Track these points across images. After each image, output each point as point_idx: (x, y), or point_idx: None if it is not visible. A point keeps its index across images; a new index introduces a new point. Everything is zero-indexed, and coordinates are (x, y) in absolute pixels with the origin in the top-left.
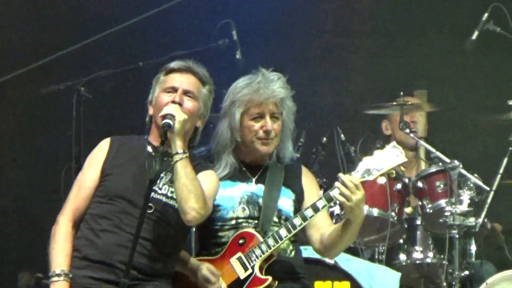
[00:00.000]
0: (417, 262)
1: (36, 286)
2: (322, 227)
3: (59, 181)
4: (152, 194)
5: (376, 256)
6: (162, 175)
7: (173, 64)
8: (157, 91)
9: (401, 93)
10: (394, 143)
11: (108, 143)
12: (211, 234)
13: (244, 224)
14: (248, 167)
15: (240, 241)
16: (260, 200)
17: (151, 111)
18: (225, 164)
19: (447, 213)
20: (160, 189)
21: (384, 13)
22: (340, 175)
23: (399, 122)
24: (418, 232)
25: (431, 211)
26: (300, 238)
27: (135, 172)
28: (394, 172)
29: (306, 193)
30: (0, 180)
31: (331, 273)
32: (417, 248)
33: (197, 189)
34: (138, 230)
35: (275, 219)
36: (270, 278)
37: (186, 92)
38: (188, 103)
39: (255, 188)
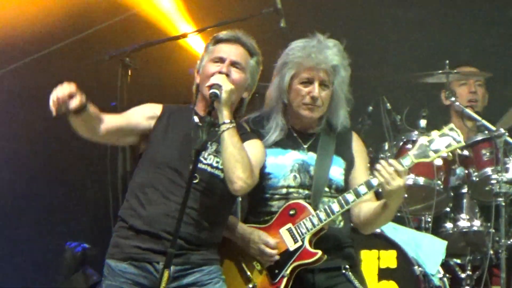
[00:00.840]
0: (464, 230)
1: (83, 256)
2: (362, 200)
3: (105, 151)
4: (198, 164)
5: (423, 225)
6: (207, 145)
7: (222, 34)
8: (205, 60)
9: (447, 61)
10: (452, 125)
11: (161, 109)
12: (261, 202)
13: (294, 194)
14: (299, 133)
15: (291, 212)
16: (311, 169)
17: (197, 79)
18: (276, 125)
19: (493, 181)
20: (206, 159)
21: None
22: (382, 161)
23: (445, 90)
24: (465, 200)
25: (477, 179)
26: None
27: (181, 141)
28: (450, 154)
29: (356, 161)
30: (46, 151)
31: (378, 242)
32: (463, 216)
33: (244, 158)
34: (184, 201)
35: (326, 188)
36: (320, 252)
37: (233, 63)
38: (235, 74)
39: (307, 156)
